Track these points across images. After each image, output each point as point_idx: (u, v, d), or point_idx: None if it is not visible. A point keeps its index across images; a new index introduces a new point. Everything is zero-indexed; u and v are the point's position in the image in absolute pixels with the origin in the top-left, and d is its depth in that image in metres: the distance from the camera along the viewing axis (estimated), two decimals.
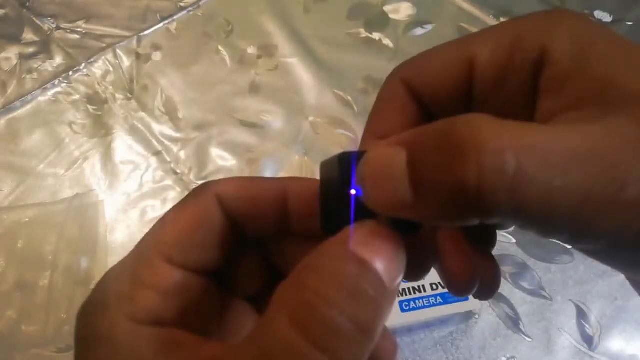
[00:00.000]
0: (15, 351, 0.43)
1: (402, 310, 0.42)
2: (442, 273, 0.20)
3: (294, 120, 0.57)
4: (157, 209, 0.51)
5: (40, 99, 0.57)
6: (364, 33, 0.64)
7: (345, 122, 0.56)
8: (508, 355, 0.44)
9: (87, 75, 0.59)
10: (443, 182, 0.14)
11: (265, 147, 0.55)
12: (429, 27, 0.64)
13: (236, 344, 0.16)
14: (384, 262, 0.15)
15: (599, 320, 0.45)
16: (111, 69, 0.60)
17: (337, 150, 0.22)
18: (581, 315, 0.45)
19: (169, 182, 0.53)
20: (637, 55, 0.15)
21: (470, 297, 0.41)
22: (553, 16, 0.18)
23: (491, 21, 0.64)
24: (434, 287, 0.43)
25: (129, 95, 0.58)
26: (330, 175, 0.18)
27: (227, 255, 0.21)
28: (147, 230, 0.20)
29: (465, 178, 0.13)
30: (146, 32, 0.63)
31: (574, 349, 0.44)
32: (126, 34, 0.62)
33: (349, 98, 0.58)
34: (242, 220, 0.21)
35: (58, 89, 0.58)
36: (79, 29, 0.63)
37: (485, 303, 0.46)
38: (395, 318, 0.42)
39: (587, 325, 0.45)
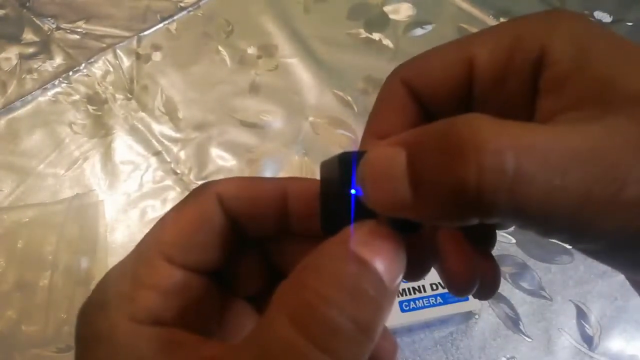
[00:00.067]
0: (15, 351, 0.43)
1: (402, 310, 0.42)
2: (442, 273, 0.20)
3: (294, 120, 0.57)
4: (157, 209, 0.51)
5: (40, 99, 0.57)
6: (364, 33, 0.64)
7: (345, 122, 0.56)
8: (508, 355, 0.44)
9: (87, 75, 0.59)
10: (443, 182, 0.14)
11: (265, 147, 0.55)
12: (429, 27, 0.64)
13: (236, 343, 0.16)
14: (384, 262, 0.15)
15: (599, 321, 0.45)
16: (111, 69, 0.60)
17: (337, 151, 0.22)
18: (581, 315, 0.45)
19: (169, 182, 0.53)
20: (637, 55, 0.16)
21: (470, 297, 0.41)
22: (553, 16, 0.18)
23: (491, 21, 0.65)
24: (434, 287, 0.43)
25: (129, 95, 0.58)
26: (330, 175, 0.18)
27: (227, 255, 0.21)
28: (147, 230, 0.20)
29: (465, 178, 0.13)
30: (146, 32, 0.63)
31: (574, 349, 0.44)
32: (126, 34, 0.62)
33: (349, 98, 0.58)
34: (242, 220, 0.21)
35: (58, 89, 0.58)
36: (79, 29, 0.63)
37: (485, 303, 0.46)
38: (395, 318, 0.42)
39: (587, 326, 0.45)
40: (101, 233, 0.49)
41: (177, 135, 0.55)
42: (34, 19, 0.63)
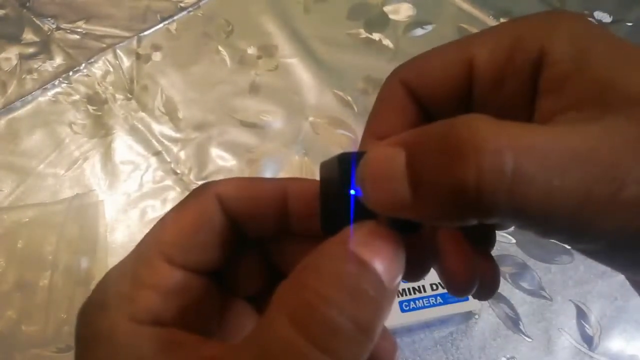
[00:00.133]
0: (15, 351, 0.43)
1: (402, 311, 0.42)
2: (442, 273, 0.20)
3: (294, 120, 0.57)
4: (157, 209, 0.51)
5: (40, 99, 0.57)
6: (364, 33, 0.64)
7: (345, 122, 0.56)
8: (508, 356, 0.44)
9: (87, 75, 0.59)
10: (442, 183, 0.14)
11: (265, 147, 0.55)
12: (429, 27, 0.64)
13: (236, 343, 0.16)
14: (383, 262, 0.15)
15: (599, 321, 0.45)
16: (111, 69, 0.60)
17: (337, 150, 0.22)
18: (581, 315, 0.45)
19: (169, 182, 0.53)
20: (636, 56, 0.16)
21: (470, 297, 0.41)
22: (552, 17, 0.18)
23: (491, 21, 0.65)
24: (434, 287, 0.43)
25: (129, 95, 0.58)
26: (330, 176, 0.18)
27: (227, 256, 0.21)
28: (147, 230, 0.20)
29: (465, 178, 0.13)
30: (146, 33, 0.63)
31: (574, 349, 0.44)
32: (126, 34, 0.62)
33: (349, 98, 0.58)
34: (242, 220, 0.21)
35: (58, 89, 0.58)
36: (79, 29, 0.63)
37: (485, 303, 0.46)
38: (395, 318, 0.42)
39: (587, 326, 0.45)
40: (101, 233, 0.49)
41: (177, 135, 0.56)
42: (34, 19, 0.63)
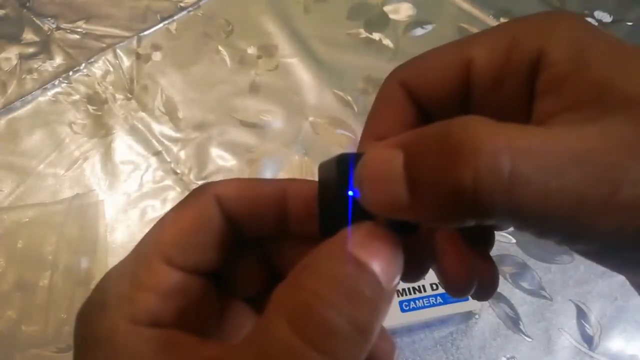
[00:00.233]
0: (15, 351, 0.43)
1: (402, 310, 0.42)
2: (440, 274, 0.20)
3: (294, 120, 0.57)
4: (157, 209, 0.51)
5: (40, 99, 0.57)
6: (364, 33, 0.64)
7: (345, 122, 0.56)
8: (508, 355, 0.44)
9: (87, 75, 0.59)
10: (440, 184, 0.14)
11: (265, 147, 0.55)
12: (429, 27, 0.64)
13: (235, 344, 0.16)
14: (381, 263, 0.15)
15: (599, 320, 0.45)
16: (111, 69, 0.60)
17: (337, 151, 0.22)
18: (581, 315, 0.45)
19: (169, 182, 0.53)
20: (634, 58, 0.16)
21: (470, 297, 0.41)
22: (551, 18, 0.18)
23: (491, 21, 0.64)
24: (434, 287, 0.43)
25: (129, 95, 0.58)
26: (328, 177, 0.18)
27: (226, 257, 0.21)
28: (147, 230, 0.20)
29: (462, 180, 0.13)
30: (146, 32, 0.63)
31: (574, 349, 0.44)
32: (126, 34, 0.62)
33: (349, 98, 0.58)
34: (241, 221, 0.21)
35: (58, 89, 0.58)
36: (79, 29, 0.63)
37: (485, 303, 0.46)
38: (395, 318, 0.42)
39: (587, 325, 0.45)
40: (101, 233, 0.49)
41: (177, 135, 0.56)
42: (34, 19, 0.64)
